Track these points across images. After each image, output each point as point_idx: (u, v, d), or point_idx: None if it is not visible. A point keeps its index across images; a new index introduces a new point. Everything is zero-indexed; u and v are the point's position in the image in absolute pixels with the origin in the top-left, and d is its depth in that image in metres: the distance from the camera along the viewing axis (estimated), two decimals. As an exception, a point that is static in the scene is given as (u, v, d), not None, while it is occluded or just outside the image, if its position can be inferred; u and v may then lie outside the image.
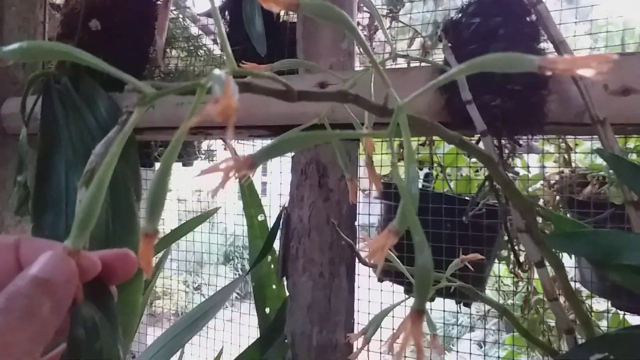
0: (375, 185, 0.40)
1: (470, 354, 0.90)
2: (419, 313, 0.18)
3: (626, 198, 0.56)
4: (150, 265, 0.20)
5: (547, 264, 0.59)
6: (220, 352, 0.77)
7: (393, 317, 0.69)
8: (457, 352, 1.22)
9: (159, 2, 0.82)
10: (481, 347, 1.24)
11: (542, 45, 0.58)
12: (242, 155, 0.19)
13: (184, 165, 1.06)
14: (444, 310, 0.85)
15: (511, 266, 0.88)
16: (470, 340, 1.08)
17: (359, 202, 0.79)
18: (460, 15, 0.58)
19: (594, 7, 0.73)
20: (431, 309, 0.81)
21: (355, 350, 0.58)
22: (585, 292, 0.80)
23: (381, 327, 0.73)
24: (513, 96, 0.55)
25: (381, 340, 0.77)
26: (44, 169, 0.74)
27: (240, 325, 1.13)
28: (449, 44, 0.59)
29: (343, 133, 0.26)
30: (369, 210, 0.84)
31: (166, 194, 0.20)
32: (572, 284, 0.83)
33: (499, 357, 0.86)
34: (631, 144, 0.69)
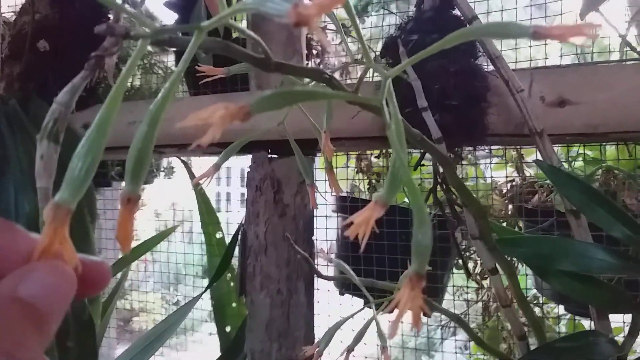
0: (335, 190, 0.40)
1: (456, 353, 0.91)
2: (418, 276, 0.17)
3: (566, 207, 0.58)
4: (129, 239, 0.17)
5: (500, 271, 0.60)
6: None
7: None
8: (443, 352, 1.23)
9: (109, 22, 0.81)
10: (462, 352, 1.25)
11: (480, 60, 0.59)
12: (236, 104, 0.16)
13: (144, 182, 1.05)
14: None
15: (474, 274, 0.89)
16: (456, 340, 1.08)
17: (316, 217, 0.79)
18: (399, 32, 0.59)
19: (562, 16, 0.75)
20: (389, 321, 0.81)
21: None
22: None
23: (341, 341, 0.73)
24: (451, 110, 0.56)
25: (342, 354, 0.76)
26: (-9, 193, 0.73)
27: (208, 345, 1.11)
28: (390, 61, 0.60)
29: (338, 93, 0.26)
30: (326, 225, 0.84)
31: (151, 152, 0.17)
32: (533, 290, 0.84)
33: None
34: (575, 150, 0.71)
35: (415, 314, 0.16)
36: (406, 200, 0.81)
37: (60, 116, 0.26)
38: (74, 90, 0.26)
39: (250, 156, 0.77)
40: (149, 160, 0.17)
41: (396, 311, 0.17)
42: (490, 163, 0.79)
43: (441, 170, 0.59)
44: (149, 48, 1.03)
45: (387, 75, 0.23)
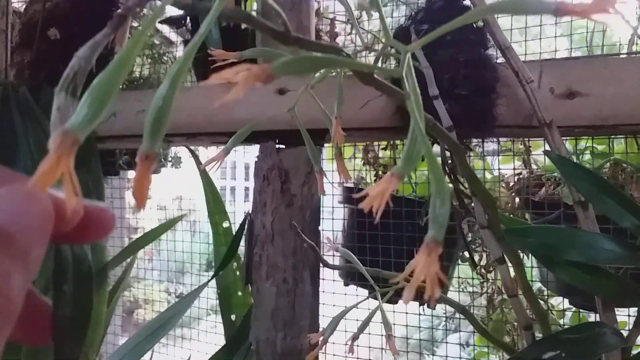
0: (344, 177, 0.40)
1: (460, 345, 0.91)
2: (435, 242, 0.16)
3: (574, 198, 0.58)
4: (145, 196, 0.17)
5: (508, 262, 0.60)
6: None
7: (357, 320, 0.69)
8: (447, 343, 1.24)
9: (119, 11, 0.82)
10: (464, 348, 1.26)
11: (490, 51, 0.59)
12: (259, 65, 0.16)
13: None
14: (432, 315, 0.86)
15: (479, 267, 0.89)
16: (460, 334, 1.09)
17: (323, 208, 0.79)
18: (409, 22, 0.59)
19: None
20: (394, 311, 0.81)
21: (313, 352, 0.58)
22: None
23: (345, 331, 0.73)
24: (461, 101, 0.56)
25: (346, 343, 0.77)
26: (1, 180, 0.73)
27: (215, 335, 1.13)
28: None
29: (361, 63, 0.25)
30: (332, 216, 0.85)
31: (170, 111, 0.17)
32: (538, 283, 0.85)
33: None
34: (583, 143, 0.71)
35: (431, 280, 0.16)
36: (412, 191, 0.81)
37: (80, 70, 0.25)
38: (95, 46, 0.26)
39: (257, 147, 0.78)
40: (168, 119, 0.17)
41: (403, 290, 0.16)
42: (498, 155, 0.79)
43: (449, 161, 0.59)
44: (156, 41, 1.04)
45: (407, 50, 0.23)
